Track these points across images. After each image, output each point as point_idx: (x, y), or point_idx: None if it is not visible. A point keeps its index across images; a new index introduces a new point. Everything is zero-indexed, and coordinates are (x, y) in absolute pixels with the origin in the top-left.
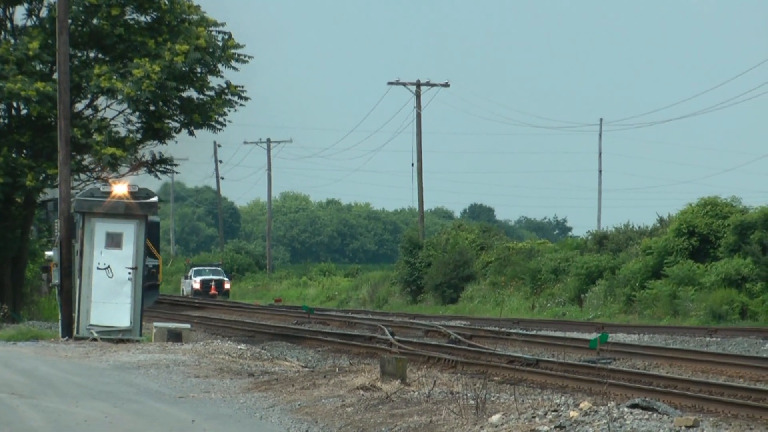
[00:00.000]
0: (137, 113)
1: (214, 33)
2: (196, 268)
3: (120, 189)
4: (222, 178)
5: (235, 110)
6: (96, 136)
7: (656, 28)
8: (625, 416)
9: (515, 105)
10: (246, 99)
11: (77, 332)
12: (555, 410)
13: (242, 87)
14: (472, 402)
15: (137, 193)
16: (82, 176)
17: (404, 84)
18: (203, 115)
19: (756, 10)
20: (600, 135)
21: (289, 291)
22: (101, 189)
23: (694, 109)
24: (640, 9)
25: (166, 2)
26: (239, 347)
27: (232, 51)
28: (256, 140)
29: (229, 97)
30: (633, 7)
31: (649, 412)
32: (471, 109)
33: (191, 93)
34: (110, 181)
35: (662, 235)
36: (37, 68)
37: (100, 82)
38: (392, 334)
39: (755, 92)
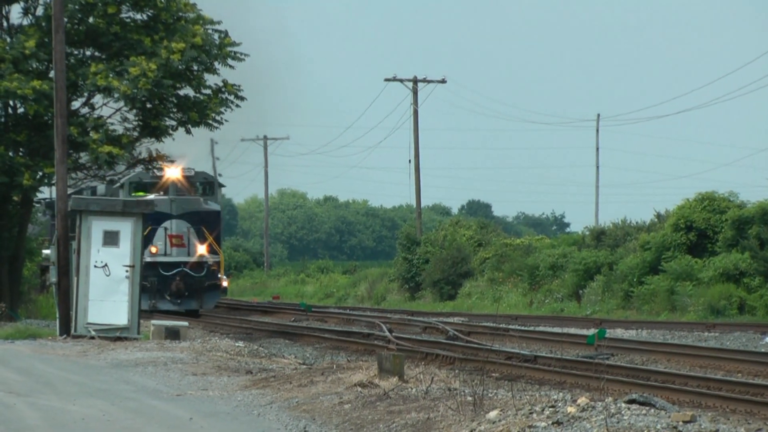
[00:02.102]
0: (134, 111)
1: (210, 31)
2: None
3: (173, 173)
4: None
5: (231, 110)
6: (93, 135)
7: (653, 22)
8: (623, 412)
9: (512, 101)
10: (242, 99)
11: (75, 330)
12: (552, 406)
13: (239, 86)
14: (470, 398)
15: (192, 177)
16: (79, 174)
17: (401, 80)
18: (200, 113)
19: (753, 4)
20: (597, 130)
21: (286, 288)
22: (150, 174)
23: (691, 104)
24: (636, 3)
25: (162, 0)
26: (237, 344)
27: (229, 49)
28: (253, 137)
29: (226, 96)
30: (629, 1)
31: (647, 408)
32: (468, 106)
33: (188, 91)
34: (163, 164)
35: (660, 231)
36: (34, 67)
37: (96, 80)
38: (390, 330)
39: (752, 87)
